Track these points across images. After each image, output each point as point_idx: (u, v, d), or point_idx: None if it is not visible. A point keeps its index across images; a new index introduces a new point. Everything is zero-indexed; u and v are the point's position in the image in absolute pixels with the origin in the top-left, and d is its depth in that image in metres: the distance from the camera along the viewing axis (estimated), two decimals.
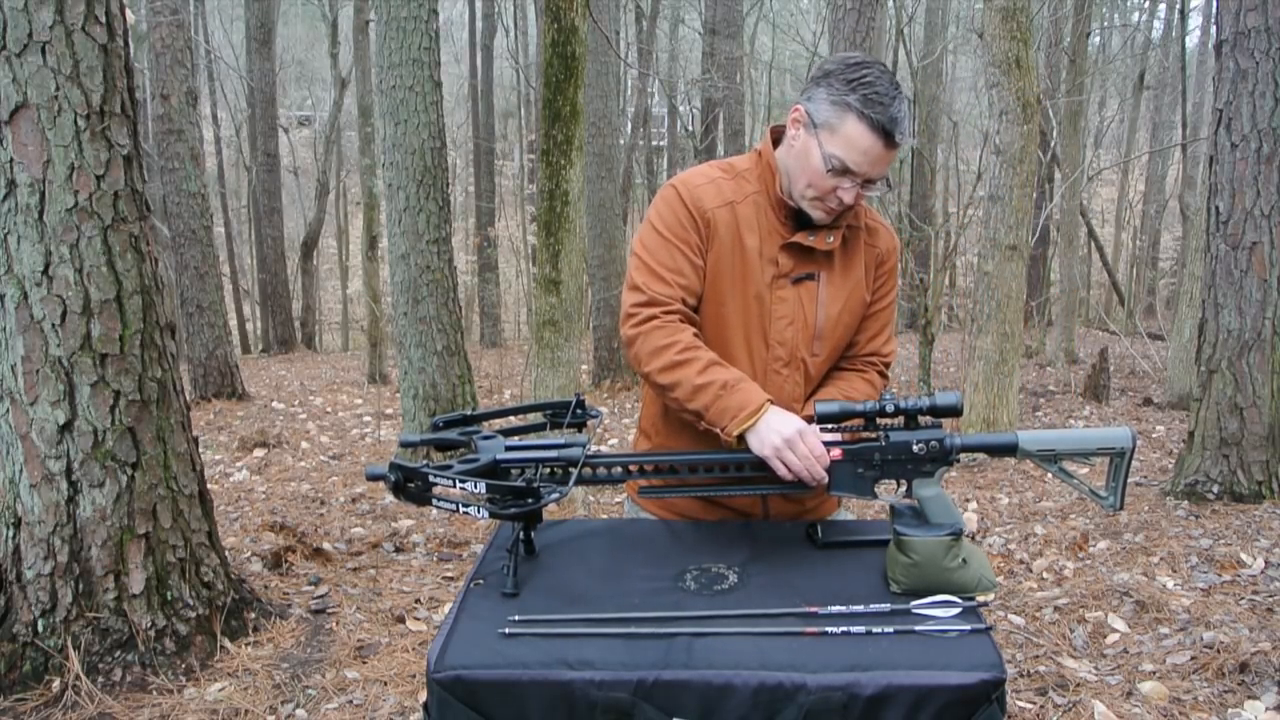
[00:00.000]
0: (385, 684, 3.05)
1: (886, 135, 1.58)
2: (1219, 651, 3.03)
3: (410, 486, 1.42)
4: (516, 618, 1.35)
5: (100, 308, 2.95)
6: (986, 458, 6.34)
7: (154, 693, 2.92)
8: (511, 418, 1.77)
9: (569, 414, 1.61)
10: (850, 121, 1.59)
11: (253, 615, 3.42)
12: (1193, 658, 3.05)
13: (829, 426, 1.54)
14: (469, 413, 1.54)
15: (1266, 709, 2.74)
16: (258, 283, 18.13)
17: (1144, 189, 18.83)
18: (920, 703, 1.19)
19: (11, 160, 2.85)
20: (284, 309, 17.08)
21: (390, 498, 5.34)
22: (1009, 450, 1.51)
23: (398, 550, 4.53)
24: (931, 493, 1.51)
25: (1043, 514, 4.95)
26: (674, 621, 1.34)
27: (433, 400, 6.28)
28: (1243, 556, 3.90)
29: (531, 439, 1.55)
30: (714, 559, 1.57)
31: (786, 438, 1.51)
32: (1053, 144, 11.64)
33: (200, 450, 3.47)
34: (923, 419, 1.52)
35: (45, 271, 2.88)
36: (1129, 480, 1.52)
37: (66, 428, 2.93)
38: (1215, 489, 4.71)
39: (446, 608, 3.54)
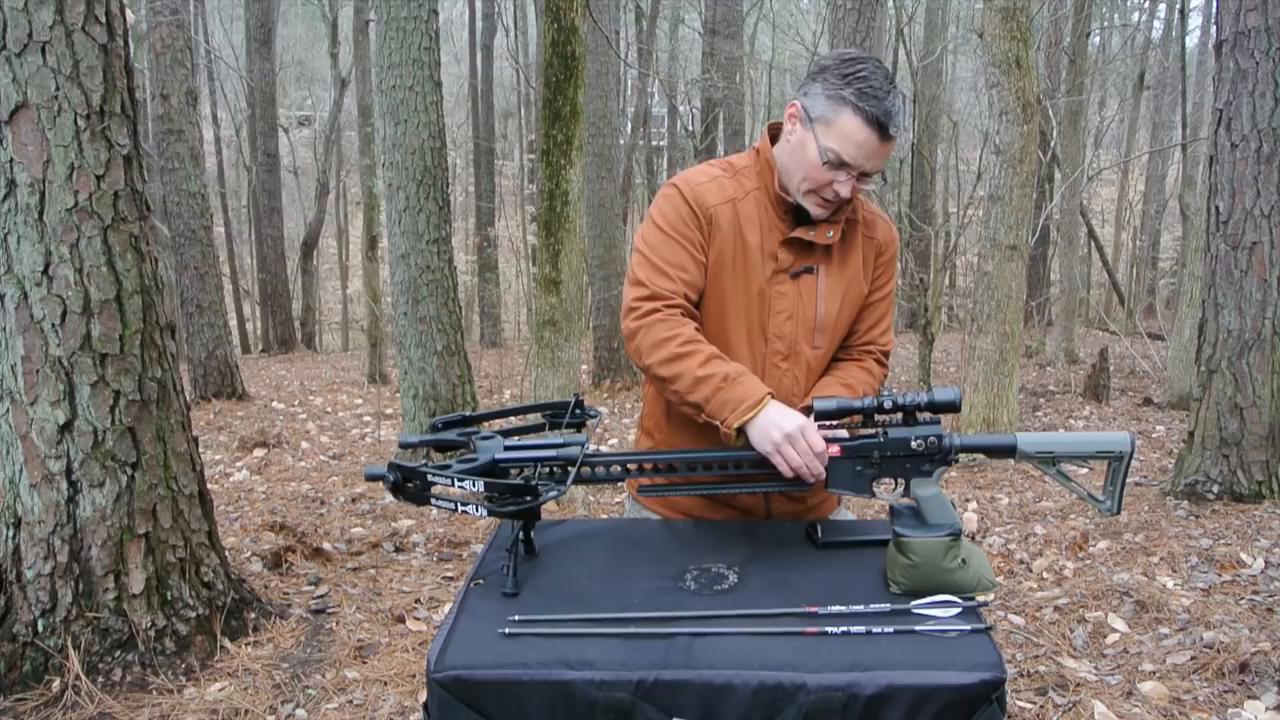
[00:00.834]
0: (385, 684, 3.05)
1: (881, 128, 1.59)
2: (1219, 651, 3.03)
3: (409, 486, 1.42)
4: (516, 618, 1.35)
5: (100, 308, 2.95)
6: (986, 458, 6.33)
7: (154, 693, 2.92)
8: (512, 418, 1.78)
9: (568, 414, 1.61)
10: (845, 115, 1.60)
11: (253, 615, 3.42)
12: (1193, 658, 3.05)
13: (828, 424, 1.55)
14: (468, 414, 1.54)
15: (1266, 709, 2.74)
16: (258, 283, 18.13)
17: (1144, 189, 18.82)
18: (920, 703, 1.19)
19: (11, 160, 2.85)
20: (284, 309, 17.08)
21: (390, 498, 5.34)
22: (1008, 452, 1.51)
23: (398, 550, 4.53)
24: (929, 493, 1.51)
25: (1043, 514, 4.95)
26: (674, 621, 1.34)
27: (433, 400, 6.28)
28: (1243, 556, 3.90)
29: (530, 439, 1.56)
30: (714, 559, 1.57)
31: (787, 433, 1.51)
32: (1053, 144, 11.64)
33: (200, 450, 3.47)
34: (921, 415, 1.53)
35: (45, 271, 2.88)
36: (1127, 483, 1.52)
37: (66, 428, 2.93)
38: (1215, 489, 4.71)
39: (446, 608, 3.55)
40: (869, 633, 1.30)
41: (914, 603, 1.37)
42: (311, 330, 19.33)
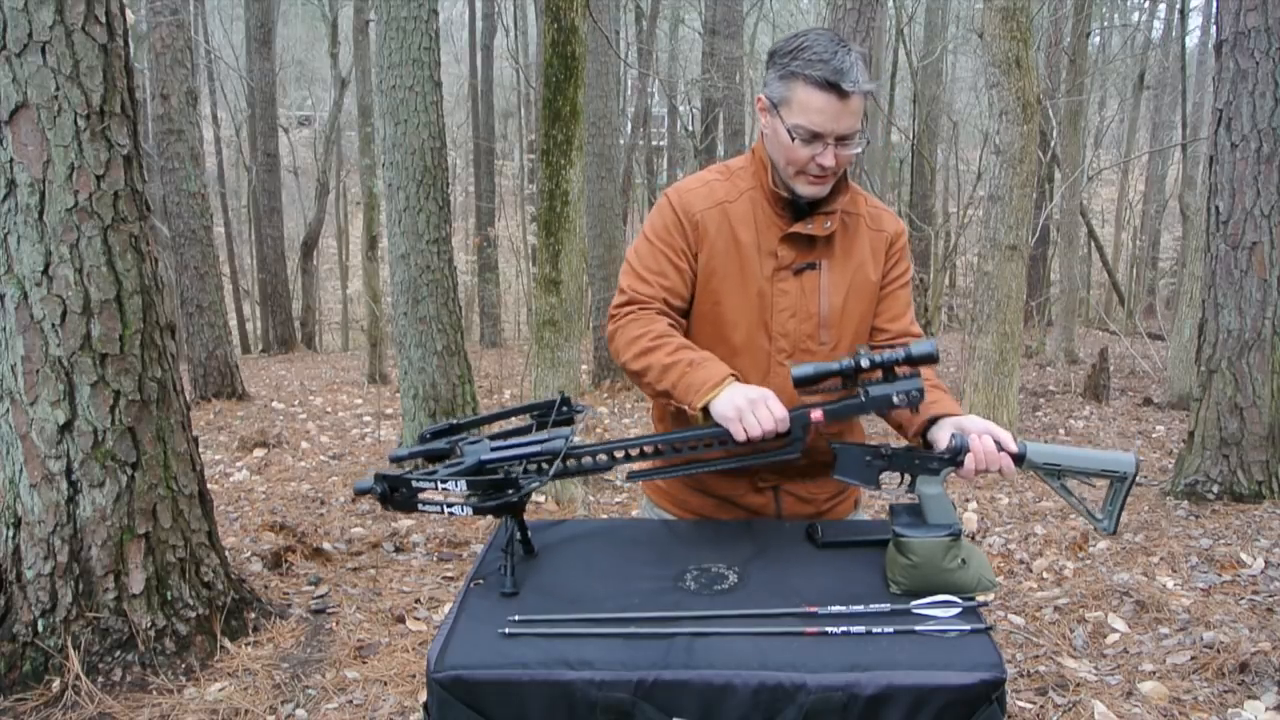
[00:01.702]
0: (385, 684, 3.05)
1: (835, 88, 1.59)
2: (1219, 651, 3.03)
3: (397, 495, 1.46)
4: (516, 618, 1.35)
5: (100, 308, 2.95)
6: None
7: (154, 693, 2.92)
8: (502, 422, 1.78)
9: (554, 412, 1.62)
10: (799, 88, 1.62)
11: (253, 615, 3.42)
12: (1193, 658, 3.05)
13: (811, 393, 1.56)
14: (455, 422, 1.56)
15: (1266, 709, 2.74)
16: (258, 283, 18.13)
17: (1144, 189, 18.82)
18: (920, 703, 1.19)
19: (11, 160, 2.85)
20: (284, 309, 17.08)
21: None
22: (1015, 460, 1.52)
23: (398, 550, 4.53)
24: (933, 491, 1.51)
25: (1043, 514, 4.95)
26: (674, 621, 1.34)
27: (433, 400, 6.28)
28: (1243, 556, 3.90)
29: (516, 438, 1.57)
30: (714, 559, 1.57)
31: (750, 399, 1.52)
32: (1053, 144, 11.65)
33: (200, 450, 3.47)
34: (900, 370, 1.53)
35: (45, 271, 2.88)
36: (1126, 501, 1.53)
37: (66, 428, 2.93)
38: (1215, 489, 4.71)
39: (446, 608, 3.54)
40: (869, 633, 1.30)
41: (914, 603, 1.37)
42: (311, 330, 19.34)
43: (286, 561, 4.14)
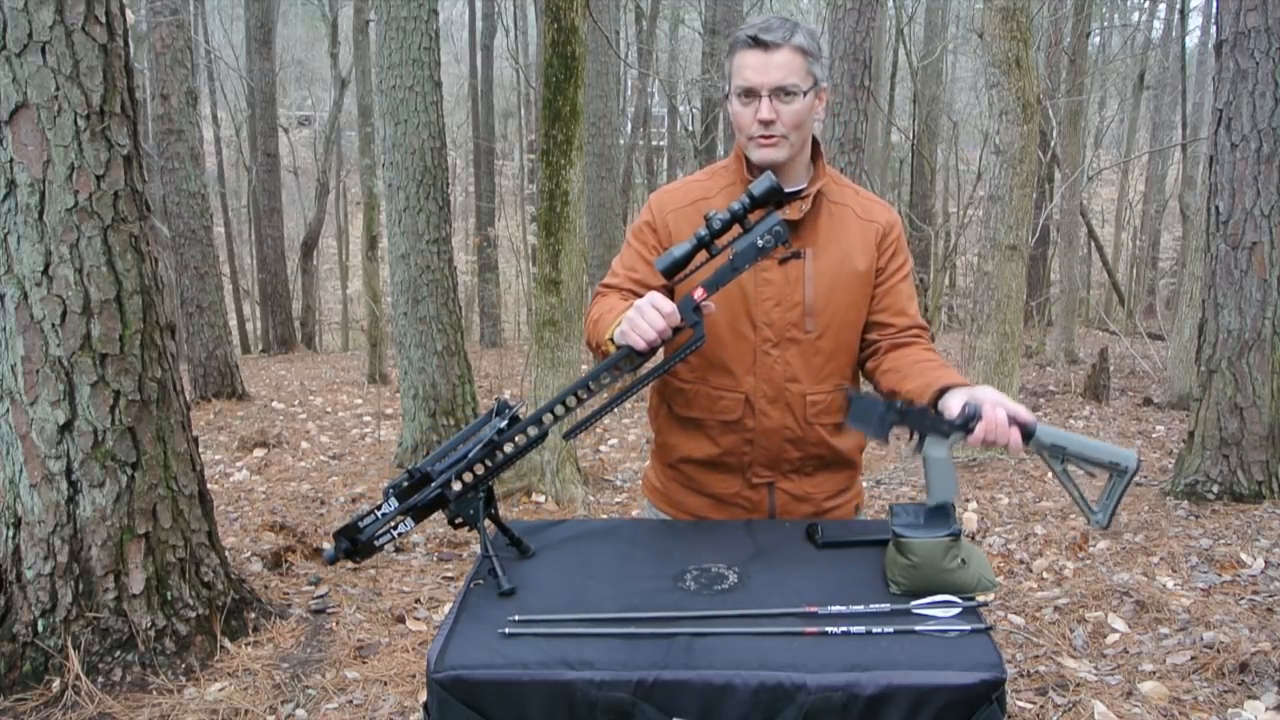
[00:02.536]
0: (385, 684, 3.05)
1: (756, 41, 1.68)
2: (1219, 651, 3.03)
3: (358, 545, 1.53)
4: (516, 618, 1.35)
5: (100, 308, 2.95)
6: (986, 458, 6.34)
7: (154, 693, 2.92)
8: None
9: (490, 418, 1.62)
10: (736, 56, 1.73)
11: (253, 615, 3.42)
12: (1193, 658, 3.05)
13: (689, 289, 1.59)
14: (411, 469, 1.58)
15: (1266, 709, 2.74)
16: (258, 283, 18.12)
17: (1144, 189, 18.82)
18: (920, 703, 1.19)
19: (11, 160, 2.85)
20: (284, 309, 17.07)
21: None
22: (1024, 435, 1.52)
23: (398, 550, 4.53)
24: (939, 454, 1.52)
25: (1043, 514, 4.95)
26: (674, 621, 1.34)
27: (433, 400, 6.28)
28: (1243, 556, 3.91)
29: (459, 449, 1.60)
30: (714, 559, 1.57)
31: (638, 308, 1.54)
32: (1053, 144, 11.64)
33: (200, 450, 3.47)
34: (752, 217, 1.57)
35: (45, 271, 2.89)
36: (1123, 498, 1.53)
37: (66, 428, 2.94)
38: (1215, 489, 4.71)
39: (446, 608, 3.54)
40: (869, 633, 1.30)
41: (914, 603, 1.37)
42: (311, 330, 19.33)
43: (286, 561, 4.14)
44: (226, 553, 3.57)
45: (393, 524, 1.55)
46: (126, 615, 3.01)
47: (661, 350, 1.60)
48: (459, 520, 1.56)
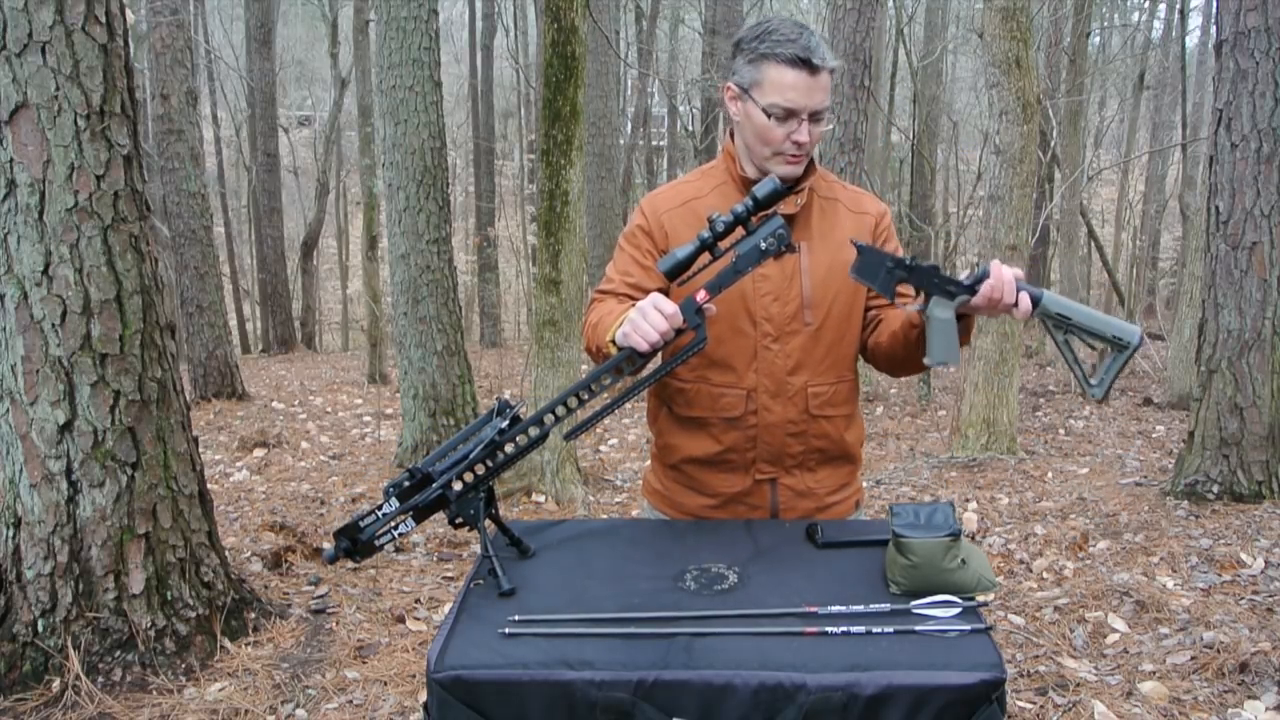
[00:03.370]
0: (385, 684, 3.05)
1: (805, 64, 1.65)
2: (1219, 651, 3.03)
3: (359, 543, 1.53)
4: (516, 618, 1.35)
5: (100, 308, 2.95)
6: (986, 458, 6.34)
7: (154, 693, 2.92)
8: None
9: (492, 418, 1.63)
10: (769, 68, 1.67)
11: (253, 615, 3.42)
12: (1193, 658, 3.05)
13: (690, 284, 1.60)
14: (411, 468, 1.58)
15: (1266, 709, 2.74)
16: (258, 283, 18.11)
17: (1144, 189, 18.81)
18: (920, 703, 1.18)
19: (11, 160, 2.85)
20: (284, 309, 17.06)
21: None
22: (1034, 301, 1.53)
23: (398, 550, 4.53)
24: (943, 315, 1.53)
25: (1043, 514, 4.95)
26: (674, 621, 1.34)
27: (433, 400, 6.28)
28: (1243, 556, 3.91)
29: (461, 448, 1.60)
30: (714, 559, 1.57)
31: (640, 309, 1.54)
32: (1053, 144, 11.64)
33: (200, 450, 3.47)
34: (755, 220, 1.57)
35: (45, 271, 2.89)
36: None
37: (66, 428, 2.93)
38: (1215, 489, 4.71)
39: (446, 608, 3.54)
40: (869, 633, 1.30)
41: (914, 603, 1.37)
42: (311, 330, 19.32)
43: (286, 561, 4.14)
44: (226, 553, 3.57)
45: (393, 524, 1.55)
46: (126, 615, 3.01)
47: (661, 352, 1.60)
48: (459, 520, 1.56)
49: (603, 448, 7.37)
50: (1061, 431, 7.65)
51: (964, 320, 1.64)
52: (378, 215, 11.02)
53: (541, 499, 5.36)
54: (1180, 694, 2.86)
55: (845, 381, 1.84)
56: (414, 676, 3.10)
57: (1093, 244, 16.21)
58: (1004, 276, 1.54)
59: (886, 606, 1.37)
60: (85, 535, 2.98)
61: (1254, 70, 4.54)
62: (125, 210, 3.02)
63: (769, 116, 1.68)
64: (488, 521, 1.58)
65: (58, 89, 2.86)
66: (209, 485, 3.74)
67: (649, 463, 2.02)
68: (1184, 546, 4.12)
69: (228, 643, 3.21)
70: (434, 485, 1.53)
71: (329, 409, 9.16)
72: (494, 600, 1.44)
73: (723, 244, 1.57)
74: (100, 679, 2.91)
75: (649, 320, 1.52)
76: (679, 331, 1.55)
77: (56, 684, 2.88)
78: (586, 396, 1.57)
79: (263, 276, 17.19)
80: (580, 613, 1.37)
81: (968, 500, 5.35)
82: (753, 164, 1.79)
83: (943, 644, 1.28)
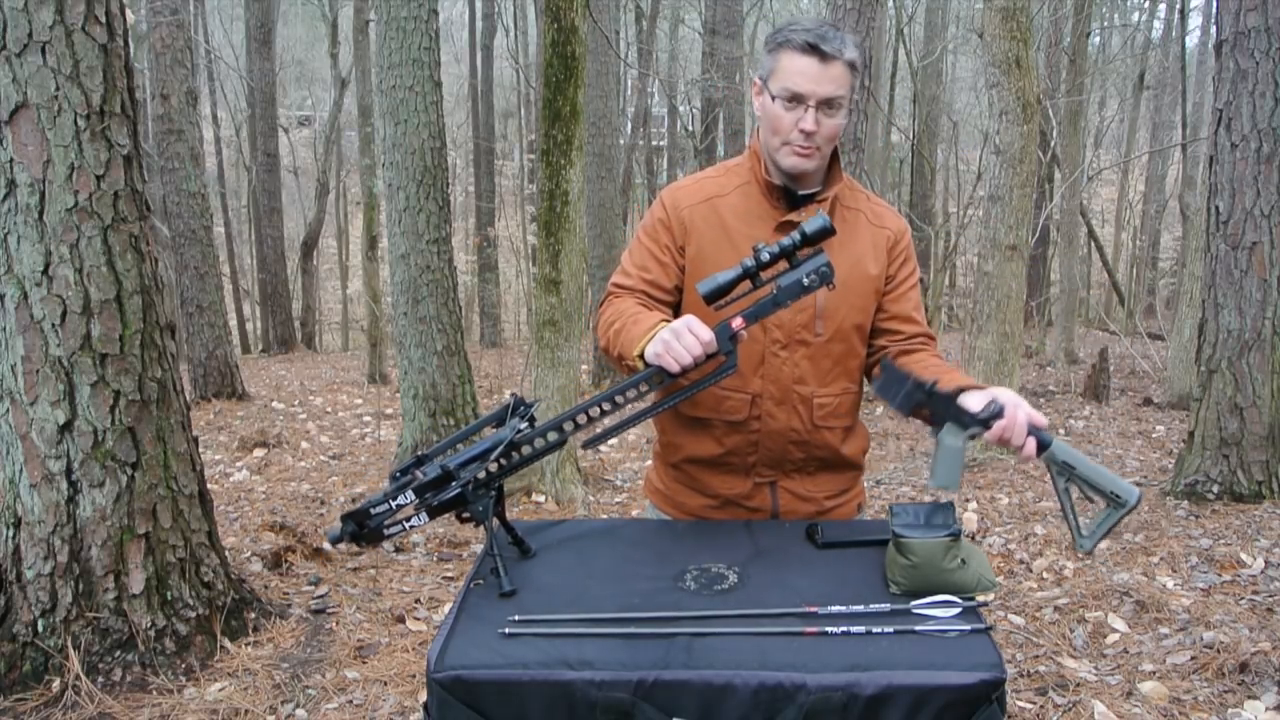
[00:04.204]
0: (385, 684, 3.05)
1: (815, 50, 1.65)
2: (1219, 651, 3.03)
3: (365, 529, 1.52)
4: (516, 618, 1.35)
5: (100, 308, 2.95)
6: (986, 459, 6.34)
7: (154, 693, 2.92)
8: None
9: (509, 414, 1.62)
10: (783, 55, 1.69)
11: (253, 615, 3.42)
12: (1193, 658, 3.05)
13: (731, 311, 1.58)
14: (419, 454, 1.58)
15: (1266, 709, 2.74)
16: (258, 283, 18.11)
17: (1144, 189, 18.82)
18: (920, 703, 1.19)
19: (11, 160, 2.85)
20: (284, 309, 17.07)
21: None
22: (1040, 446, 1.53)
23: (398, 550, 4.53)
24: (953, 443, 1.54)
25: (1043, 514, 4.95)
26: (674, 621, 1.34)
27: (433, 400, 6.28)
28: (1243, 556, 3.91)
29: (473, 445, 1.59)
30: (714, 559, 1.57)
31: (675, 330, 1.53)
32: (1053, 144, 11.64)
33: (200, 450, 3.47)
34: (801, 254, 1.56)
35: (45, 271, 2.89)
36: (1113, 530, 1.54)
37: (66, 428, 2.93)
38: (1215, 489, 4.71)
39: (446, 608, 3.54)
40: (869, 633, 1.30)
41: (914, 603, 1.37)
42: (311, 330, 19.33)
43: (286, 561, 4.14)
44: (226, 553, 3.57)
45: (406, 517, 1.53)
46: (126, 615, 3.01)
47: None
48: (466, 515, 1.54)
49: (603, 448, 7.38)
50: (1061, 431, 7.65)
51: None
52: (378, 215, 11.02)
53: (541, 499, 5.36)
54: (1180, 694, 2.86)
55: (850, 394, 1.83)
56: (414, 676, 3.10)
57: (1093, 244, 16.22)
58: (1017, 420, 1.52)
59: (886, 606, 1.37)
60: (85, 535, 2.98)
61: (1254, 70, 4.54)
62: (125, 210, 3.02)
63: (778, 102, 1.69)
64: (494, 520, 1.58)
65: (58, 89, 2.86)
66: (209, 485, 3.74)
67: (651, 462, 2.02)
68: (1184, 546, 4.12)
69: (228, 643, 3.21)
70: (454, 484, 1.51)
71: (329, 409, 9.16)
72: (494, 600, 1.44)
73: (764, 274, 1.56)
74: (100, 679, 2.91)
75: (683, 343, 1.51)
76: (710, 355, 1.54)
77: (56, 684, 2.88)
78: (609, 408, 1.56)
79: (263, 276, 17.19)
80: (580, 613, 1.37)
81: (968, 500, 5.35)
82: (771, 162, 1.77)
83: (943, 644, 1.28)
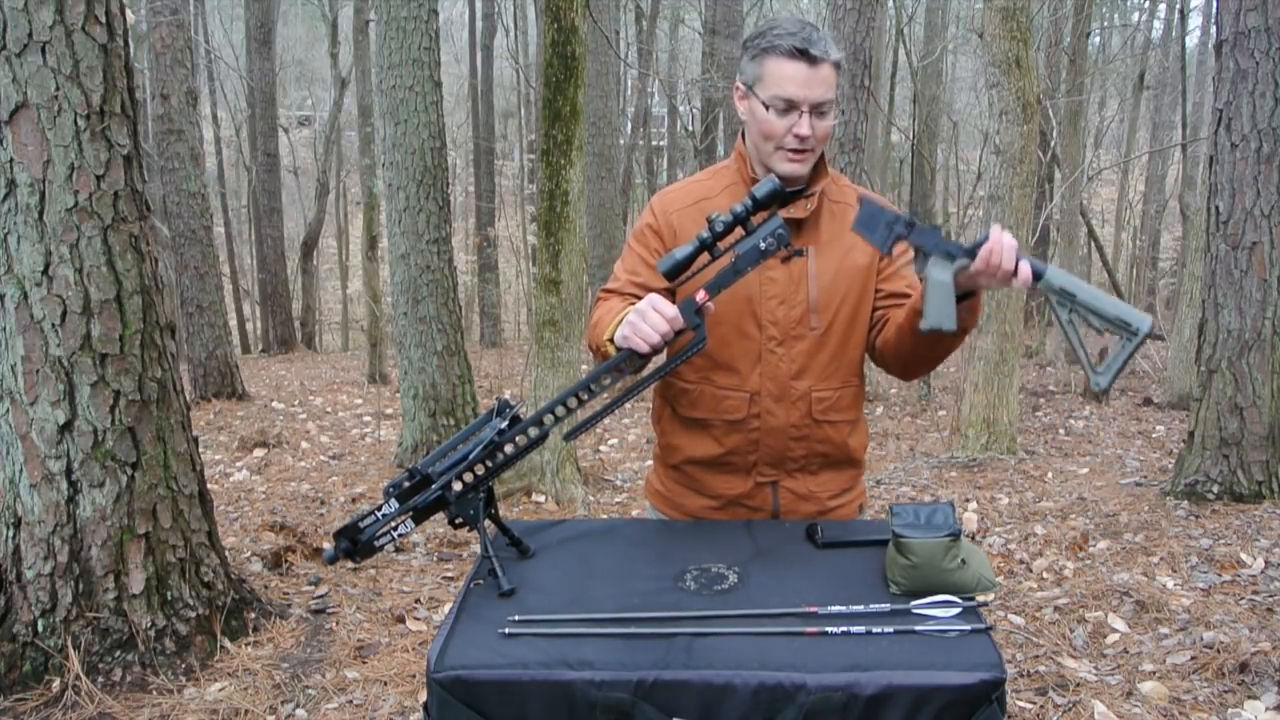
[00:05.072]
0: (385, 684, 3.05)
1: (804, 54, 1.65)
2: (1219, 651, 3.03)
3: (359, 544, 1.53)
4: (516, 618, 1.35)
5: (100, 308, 2.95)
6: (986, 459, 6.34)
7: (154, 693, 2.92)
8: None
9: (491, 418, 1.62)
10: (770, 61, 1.68)
11: (253, 615, 3.41)
12: (1193, 658, 3.05)
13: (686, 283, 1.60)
14: (411, 468, 1.58)
15: (1266, 709, 2.74)
16: (258, 283, 18.11)
17: (1144, 189, 18.81)
18: (920, 703, 1.19)
19: (11, 160, 2.85)
20: (284, 309, 17.06)
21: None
22: (1035, 276, 1.48)
23: (398, 550, 4.53)
24: (941, 277, 1.50)
25: (1043, 514, 4.95)
26: (674, 621, 1.34)
27: (433, 400, 6.28)
28: (1243, 556, 3.91)
29: (459, 449, 1.60)
30: (714, 559, 1.57)
31: (639, 311, 1.54)
32: (1053, 144, 11.64)
33: (200, 450, 3.47)
34: (755, 219, 1.56)
35: (45, 271, 2.88)
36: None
37: (66, 428, 2.93)
38: (1215, 489, 4.71)
39: (446, 608, 3.54)
40: (869, 633, 1.30)
41: (914, 603, 1.37)
42: (311, 330, 19.32)
43: (286, 561, 4.14)
44: (226, 553, 3.57)
45: (393, 525, 1.55)
46: (126, 615, 3.01)
47: (663, 352, 1.60)
48: (459, 520, 1.56)
49: (603, 448, 7.37)
50: (1061, 431, 7.65)
51: (969, 299, 1.60)
52: (378, 215, 11.02)
53: (541, 499, 5.36)
54: (1180, 694, 2.86)
55: (850, 387, 1.83)
56: (414, 676, 3.10)
57: (1093, 244, 16.21)
58: (1003, 241, 1.48)
59: (886, 606, 1.37)
60: (85, 535, 2.98)
61: (1254, 70, 4.54)
62: (125, 210, 3.02)
63: (770, 110, 1.69)
64: (487, 522, 1.58)
65: (58, 89, 2.86)
66: (209, 485, 3.74)
67: (651, 463, 2.02)
68: (1184, 546, 4.11)
69: (228, 643, 3.21)
70: (434, 486, 1.53)
71: (329, 409, 9.16)
72: (494, 600, 1.44)
73: (722, 244, 1.57)
74: (100, 679, 2.91)
75: (648, 321, 1.52)
76: (679, 332, 1.55)
77: (56, 684, 2.88)
78: (586, 397, 1.56)
79: (263, 276, 17.18)
80: (580, 613, 1.37)
81: (968, 500, 5.35)
82: (760, 164, 1.78)
83: (943, 644, 1.28)
